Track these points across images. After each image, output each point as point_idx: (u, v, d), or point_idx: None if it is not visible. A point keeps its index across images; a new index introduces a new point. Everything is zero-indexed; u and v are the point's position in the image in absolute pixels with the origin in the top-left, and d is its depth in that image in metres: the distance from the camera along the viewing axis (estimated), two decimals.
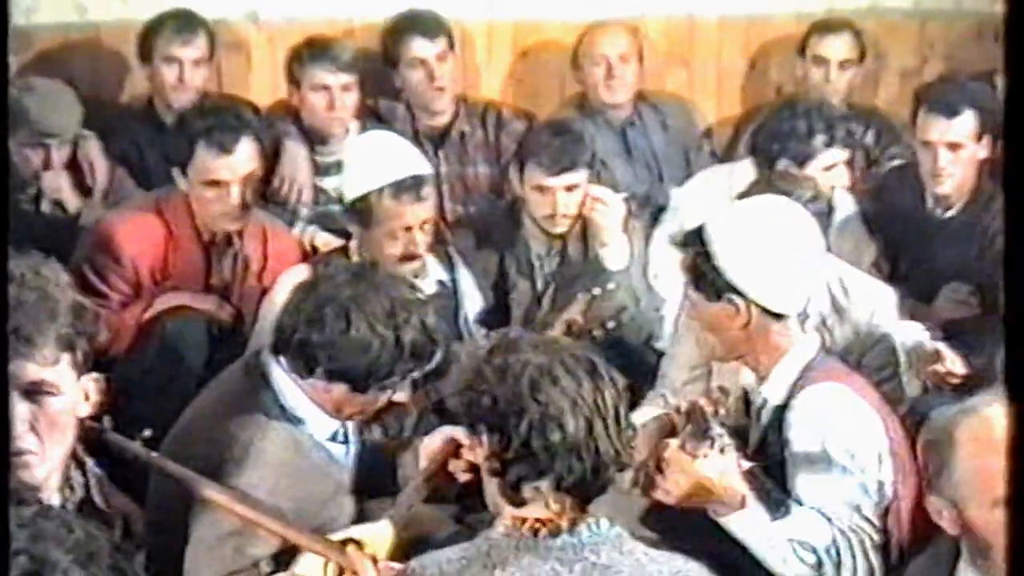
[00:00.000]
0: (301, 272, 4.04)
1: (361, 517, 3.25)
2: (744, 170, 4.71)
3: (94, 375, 2.48)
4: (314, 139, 5.16)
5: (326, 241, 4.81)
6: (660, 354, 4.30)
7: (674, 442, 3.12)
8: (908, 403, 3.87)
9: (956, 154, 4.61)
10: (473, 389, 2.54)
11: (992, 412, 2.54)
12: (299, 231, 4.92)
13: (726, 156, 5.52)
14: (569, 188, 4.56)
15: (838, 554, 3.20)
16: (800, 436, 3.25)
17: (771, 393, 3.34)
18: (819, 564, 3.19)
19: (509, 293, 4.71)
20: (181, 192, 4.39)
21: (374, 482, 3.36)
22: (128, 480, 2.90)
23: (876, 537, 3.25)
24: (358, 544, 2.88)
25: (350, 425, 3.36)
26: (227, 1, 5.47)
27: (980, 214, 4.66)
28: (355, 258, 4.23)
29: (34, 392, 2.35)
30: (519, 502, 2.53)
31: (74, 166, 4.85)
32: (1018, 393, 1.90)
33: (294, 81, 5.19)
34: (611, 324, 4.16)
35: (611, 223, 4.57)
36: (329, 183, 4.95)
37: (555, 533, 2.51)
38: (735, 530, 3.14)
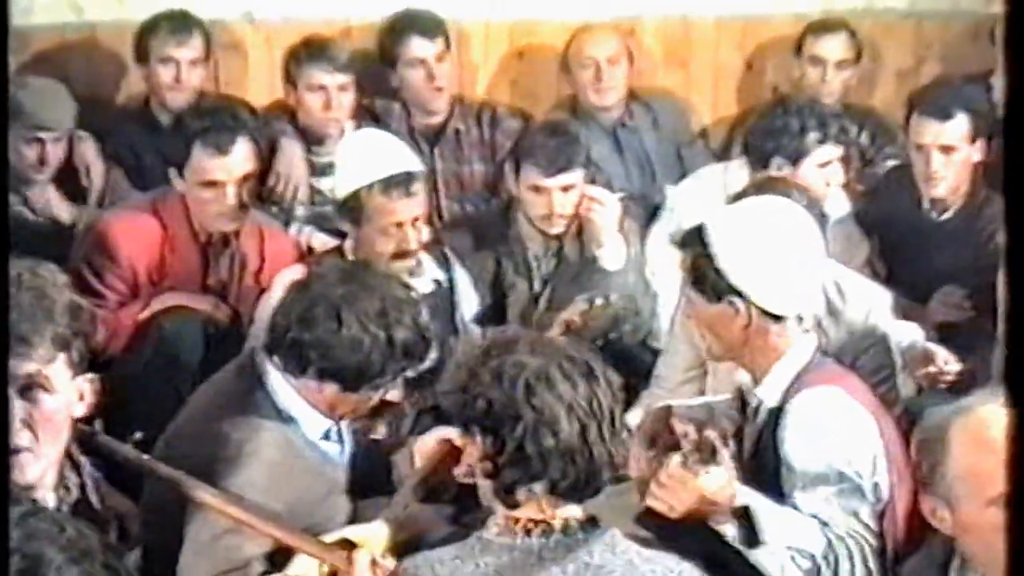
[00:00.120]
0: (297, 273, 4.04)
1: (356, 517, 3.25)
2: (739, 169, 4.72)
3: (89, 375, 2.48)
4: (310, 139, 5.16)
5: (323, 241, 4.81)
6: (656, 353, 4.31)
7: (676, 458, 3.10)
8: (903, 404, 3.87)
9: (949, 157, 4.61)
10: (468, 391, 2.54)
11: (986, 412, 2.54)
12: (295, 231, 4.93)
13: (722, 155, 5.53)
14: (565, 188, 4.57)
15: (836, 560, 3.19)
16: (795, 441, 3.24)
17: (767, 395, 3.33)
18: (817, 571, 3.18)
19: (506, 293, 4.71)
20: (178, 192, 4.39)
21: (369, 482, 3.36)
22: (125, 480, 2.90)
23: (874, 542, 3.23)
24: (353, 545, 2.88)
25: (344, 425, 3.36)
26: (223, 1, 5.47)
27: (975, 217, 4.67)
28: (350, 258, 4.23)
29: (29, 390, 2.36)
30: (512, 504, 2.53)
31: (69, 167, 4.86)
32: (1018, 397, 1.91)
33: (291, 81, 5.19)
34: (613, 335, 4.17)
35: (607, 223, 4.57)
36: (325, 183, 4.95)
37: (548, 533, 2.52)
38: (733, 537, 3.13)
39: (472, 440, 2.54)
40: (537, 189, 4.58)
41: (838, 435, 3.24)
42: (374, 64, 5.39)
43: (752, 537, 3.12)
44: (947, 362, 3.86)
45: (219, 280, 4.49)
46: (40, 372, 2.37)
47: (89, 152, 4.93)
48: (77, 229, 4.68)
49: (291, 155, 5.08)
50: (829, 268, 3.99)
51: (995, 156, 4.62)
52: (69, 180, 4.86)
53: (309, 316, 3.17)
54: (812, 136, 4.51)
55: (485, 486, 2.57)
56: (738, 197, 3.76)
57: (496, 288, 4.69)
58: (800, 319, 3.37)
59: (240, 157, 4.33)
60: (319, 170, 5.08)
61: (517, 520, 2.53)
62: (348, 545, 2.88)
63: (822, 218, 3.89)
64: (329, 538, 2.93)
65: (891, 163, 5.31)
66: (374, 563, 2.79)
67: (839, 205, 4.66)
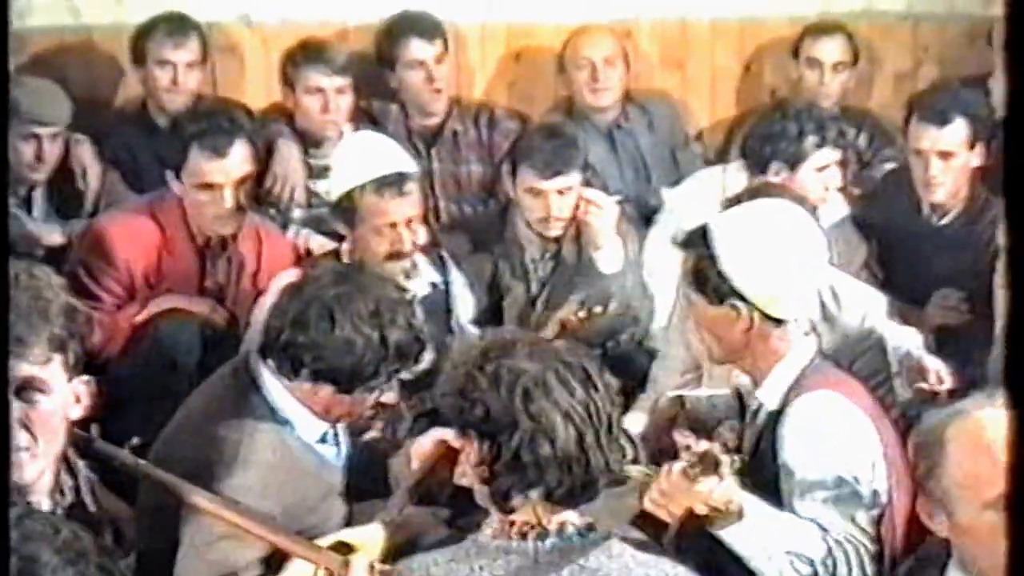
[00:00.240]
0: (293, 276, 4.04)
1: (352, 520, 3.25)
2: (738, 172, 4.71)
3: (85, 378, 2.48)
4: (308, 142, 5.16)
5: (320, 244, 4.81)
6: (653, 356, 4.30)
7: (677, 466, 3.09)
8: (899, 407, 3.87)
9: (948, 163, 4.60)
10: (465, 396, 2.53)
11: (983, 414, 2.53)
12: (292, 234, 4.93)
13: (718, 158, 5.53)
14: (562, 191, 4.57)
15: (834, 565, 3.18)
16: (794, 445, 3.23)
17: (767, 398, 3.31)
18: None
19: (503, 296, 4.71)
20: (175, 195, 4.39)
21: (365, 485, 3.35)
22: (121, 484, 2.90)
23: (871, 547, 3.22)
24: (349, 548, 2.88)
25: (340, 427, 3.36)
26: (220, 4, 5.48)
27: (974, 221, 4.66)
28: (345, 260, 4.23)
29: (25, 391, 2.36)
30: (508, 509, 2.53)
31: (66, 169, 4.86)
32: (1017, 399, 1.90)
33: (288, 84, 5.19)
34: (610, 344, 4.18)
35: (604, 226, 4.57)
36: (322, 186, 4.95)
37: (544, 537, 2.51)
38: (732, 542, 3.12)
39: (469, 442, 2.54)
40: (534, 192, 4.58)
41: (837, 439, 3.22)
42: (372, 66, 5.39)
43: (751, 542, 3.11)
44: (939, 378, 3.84)
45: (216, 283, 4.48)
46: (36, 379, 2.36)
47: (86, 154, 4.93)
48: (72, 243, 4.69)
49: (288, 156, 5.08)
50: (824, 272, 3.99)
51: (994, 159, 4.61)
52: (65, 183, 4.86)
53: (302, 318, 3.17)
54: (810, 140, 4.50)
55: (481, 491, 2.57)
56: (733, 202, 3.74)
57: (493, 291, 4.69)
58: (799, 323, 3.36)
59: (237, 160, 4.33)
60: (316, 172, 5.08)
61: (513, 524, 2.52)
62: (344, 548, 2.87)
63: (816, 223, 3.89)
64: (325, 541, 2.93)
65: (888, 166, 5.30)
66: (371, 568, 2.79)
67: (836, 208, 4.66)
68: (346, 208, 4.20)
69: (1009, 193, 1.93)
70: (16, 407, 2.35)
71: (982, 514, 2.49)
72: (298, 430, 3.25)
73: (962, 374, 3.89)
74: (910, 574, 2.85)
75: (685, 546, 2.98)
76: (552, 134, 4.69)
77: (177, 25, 5.18)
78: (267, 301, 3.69)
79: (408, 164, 4.30)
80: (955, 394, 3.73)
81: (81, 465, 2.60)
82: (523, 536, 2.51)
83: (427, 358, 3.30)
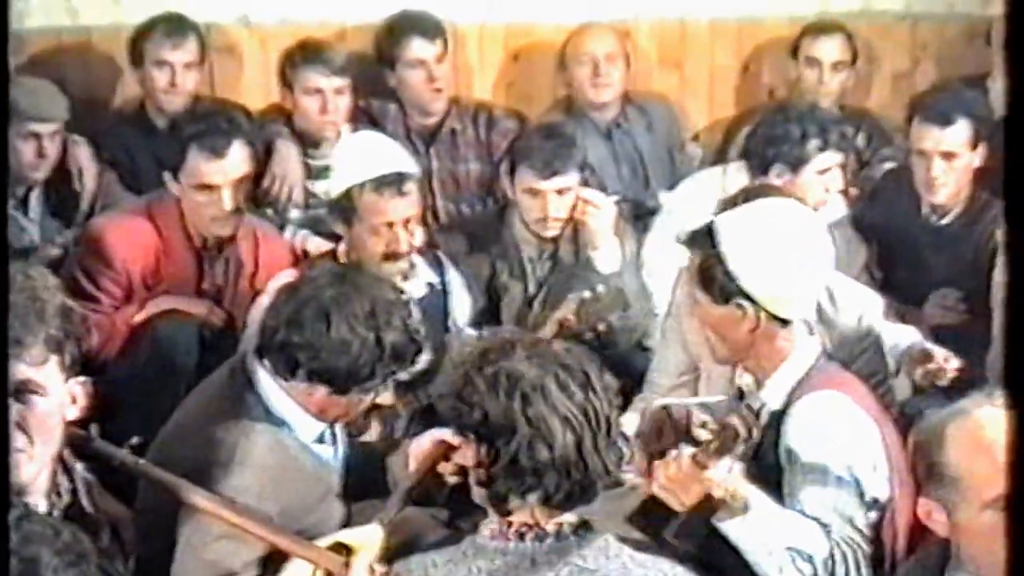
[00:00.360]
0: (290, 277, 4.03)
1: (350, 520, 3.24)
2: (738, 173, 4.71)
3: (81, 379, 2.48)
4: (307, 142, 5.16)
5: (317, 245, 4.81)
6: (650, 356, 4.30)
7: (687, 451, 3.08)
8: (897, 407, 3.86)
9: (950, 163, 4.60)
10: (464, 398, 2.53)
11: (982, 414, 2.53)
12: (290, 235, 4.92)
13: (716, 158, 5.52)
14: (560, 191, 4.56)
15: (834, 565, 3.17)
16: (797, 445, 3.22)
17: (770, 398, 3.30)
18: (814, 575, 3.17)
19: (501, 296, 4.71)
20: (173, 196, 4.38)
21: (363, 485, 3.35)
22: (119, 484, 2.90)
23: (867, 549, 3.21)
24: (347, 548, 2.87)
25: (338, 428, 3.35)
26: (218, 4, 5.47)
27: (975, 221, 4.65)
28: (343, 260, 4.22)
29: (21, 392, 2.35)
30: (505, 512, 2.53)
31: (63, 170, 4.85)
32: (1017, 398, 1.90)
33: (287, 85, 5.19)
34: (601, 327, 4.15)
35: (602, 226, 4.57)
36: (320, 187, 4.95)
37: (541, 538, 2.51)
38: (735, 536, 3.11)
39: (467, 442, 2.54)
40: (532, 192, 4.58)
41: (841, 440, 3.22)
42: (370, 66, 5.38)
43: (753, 537, 3.10)
44: (947, 359, 3.85)
45: (214, 284, 4.48)
46: (32, 380, 2.36)
47: (83, 155, 4.92)
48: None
49: (287, 157, 5.08)
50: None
51: (994, 159, 4.61)
52: (62, 184, 4.86)
53: (298, 318, 3.16)
54: (813, 143, 4.49)
55: (479, 492, 2.56)
56: (729, 203, 3.71)
57: (491, 291, 4.69)
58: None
59: (236, 160, 4.32)
60: (315, 173, 5.08)
61: (511, 524, 2.52)
62: (343, 549, 2.87)
63: None
64: (323, 542, 2.92)
65: (887, 166, 5.30)
66: (371, 569, 2.78)
67: (836, 209, 4.65)
68: (344, 206, 4.19)
69: (1009, 193, 1.93)
70: (14, 408, 2.34)
71: (981, 514, 2.49)
72: (295, 430, 3.24)
73: (964, 365, 3.89)
74: (909, 575, 2.86)
75: (683, 542, 2.97)
76: (550, 134, 4.69)
77: (175, 26, 5.17)
78: (264, 302, 3.69)
79: (409, 164, 4.30)
80: (959, 383, 3.73)
81: (78, 466, 2.60)
82: (521, 537, 2.51)
83: (424, 359, 3.29)
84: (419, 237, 4.23)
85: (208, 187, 4.31)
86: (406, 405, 4.02)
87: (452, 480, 3.16)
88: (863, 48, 5.65)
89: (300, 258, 4.68)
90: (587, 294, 4.15)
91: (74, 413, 2.49)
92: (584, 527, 2.54)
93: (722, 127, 5.75)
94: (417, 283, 4.24)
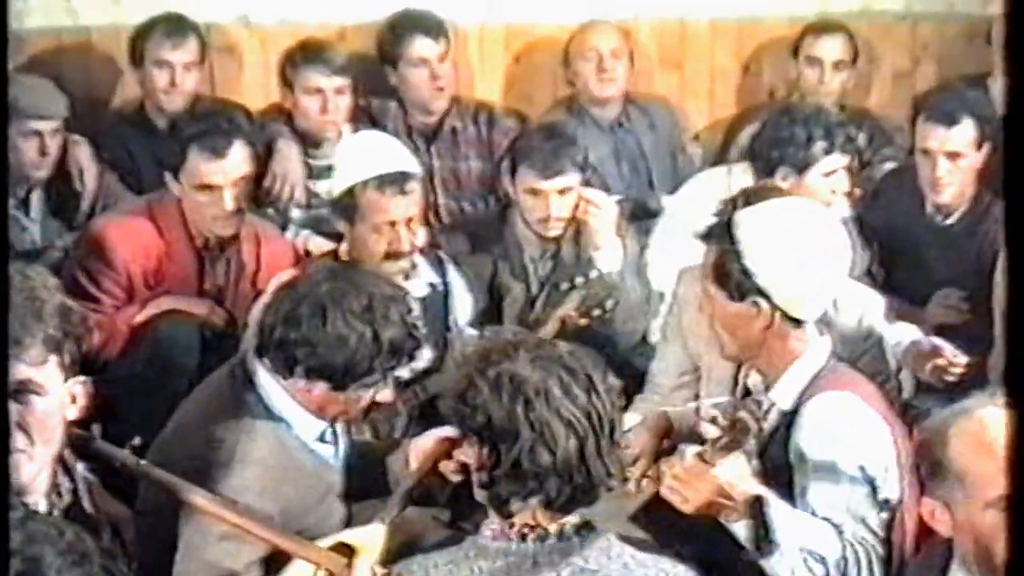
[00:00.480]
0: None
1: (351, 520, 3.24)
2: (743, 174, 4.70)
3: (81, 378, 2.48)
4: (307, 142, 5.15)
5: (319, 245, 4.81)
6: (652, 355, 4.29)
7: (691, 450, 3.07)
8: (899, 406, 3.86)
9: (955, 163, 4.59)
10: (466, 401, 2.52)
11: (985, 414, 2.54)
12: (292, 235, 4.92)
13: (718, 159, 5.52)
14: (562, 191, 4.56)
15: (846, 566, 3.16)
16: (809, 445, 3.20)
17: (780, 398, 3.28)
18: None
19: (502, 296, 4.70)
20: (173, 196, 4.38)
21: (364, 485, 3.35)
22: (120, 485, 2.89)
23: (880, 549, 3.20)
24: (350, 548, 2.87)
25: (339, 426, 3.35)
26: (218, 4, 5.47)
27: (979, 221, 4.65)
28: (344, 259, 4.22)
29: (21, 392, 2.35)
30: (507, 514, 2.53)
31: (63, 171, 4.85)
32: (1018, 398, 1.90)
33: (287, 84, 5.19)
34: (596, 312, 4.15)
35: (604, 226, 4.57)
36: (322, 187, 4.95)
37: (543, 538, 2.51)
38: (747, 539, 3.10)
39: (470, 443, 2.53)
40: (534, 192, 4.58)
41: (852, 441, 3.20)
42: (371, 66, 5.38)
43: (765, 538, 3.08)
44: (956, 355, 3.84)
45: (215, 284, 4.48)
46: (31, 380, 2.36)
47: (83, 156, 4.91)
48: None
49: (288, 156, 5.07)
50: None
51: (996, 158, 4.60)
52: (63, 184, 4.85)
53: (294, 314, 3.15)
54: (819, 146, 4.47)
55: (480, 493, 2.56)
56: (730, 203, 3.69)
57: (492, 291, 4.69)
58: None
59: (236, 160, 4.32)
60: (316, 173, 5.08)
61: (512, 525, 2.52)
62: (345, 549, 2.86)
63: None
64: (326, 542, 2.92)
65: (888, 165, 5.30)
66: (373, 571, 2.78)
67: (839, 210, 4.64)
68: (347, 204, 4.17)
69: (1009, 193, 1.93)
70: (13, 409, 2.34)
71: (984, 513, 2.49)
72: (295, 429, 3.23)
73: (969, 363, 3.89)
74: (912, 574, 2.85)
75: (684, 543, 2.96)
76: (552, 134, 4.69)
77: (175, 26, 5.17)
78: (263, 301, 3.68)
79: (411, 163, 4.30)
80: (963, 381, 3.72)
81: (79, 467, 2.60)
82: (523, 537, 2.51)
83: (424, 356, 3.28)
84: (421, 237, 4.22)
85: (209, 187, 4.31)
86: (406, 404, 4.02)
87: (454, 478, 3.16)
88: (864, 48, 5.65)
89: (302, 258, 4.68)
90: (579, 280, 4.14)
91: (74, 413, 2.49)
92: (586, 527, 2.54)
93: (722, 127, 5.75)
94: (418, 283, 4.23)
